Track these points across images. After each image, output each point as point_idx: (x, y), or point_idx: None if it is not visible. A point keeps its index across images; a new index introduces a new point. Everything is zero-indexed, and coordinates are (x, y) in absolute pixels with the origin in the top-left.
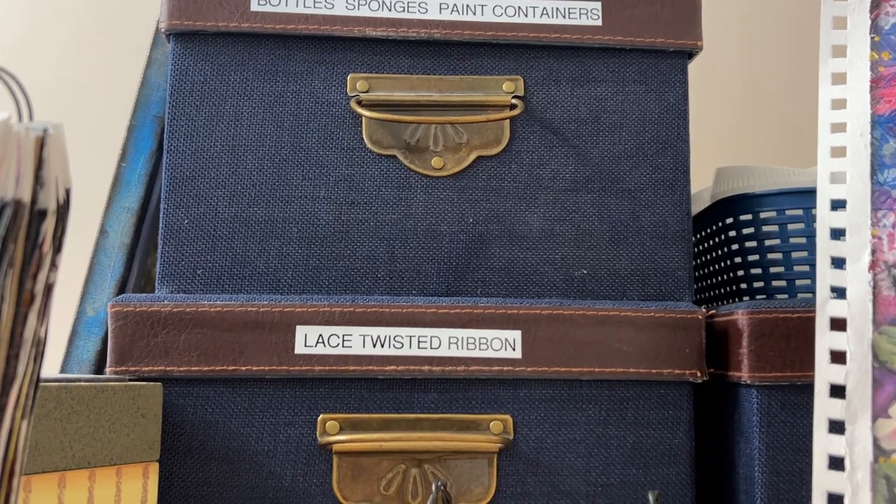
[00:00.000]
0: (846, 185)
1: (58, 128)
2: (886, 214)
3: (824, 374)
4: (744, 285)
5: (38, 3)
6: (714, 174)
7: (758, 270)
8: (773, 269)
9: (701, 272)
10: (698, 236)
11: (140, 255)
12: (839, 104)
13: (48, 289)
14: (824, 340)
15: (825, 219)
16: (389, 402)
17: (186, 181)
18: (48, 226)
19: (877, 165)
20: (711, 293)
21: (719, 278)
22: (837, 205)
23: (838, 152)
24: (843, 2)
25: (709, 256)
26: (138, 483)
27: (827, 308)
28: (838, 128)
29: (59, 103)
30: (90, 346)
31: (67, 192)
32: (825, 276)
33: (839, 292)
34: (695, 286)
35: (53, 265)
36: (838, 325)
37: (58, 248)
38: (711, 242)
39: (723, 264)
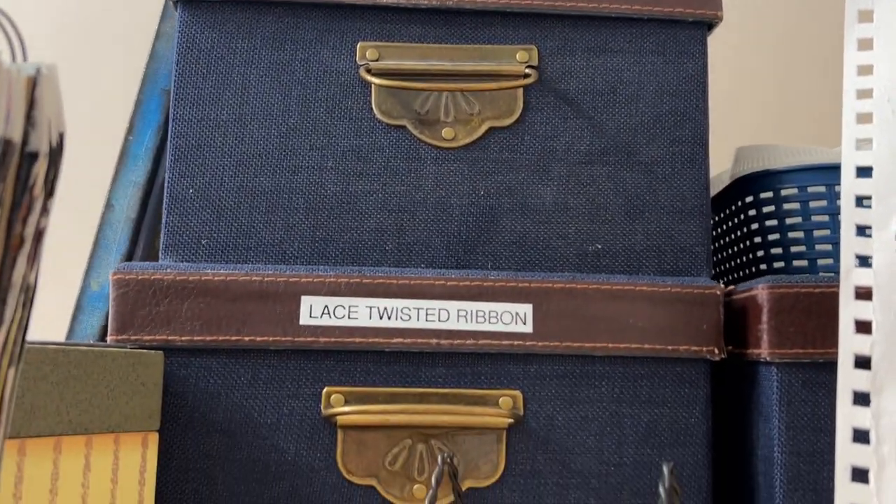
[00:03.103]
0: (872, 152)
1: (51, 69)
2: None
3: (849, 344)
4: (764, 266)
5: None
6: (734, 154)
7: (778, 250)
8: (794, 248)
9: (721, 254)
10: (718, 217)
11: (146, 229)
12: (865, 70)
13: (39, 234)
14: (849, 310)
15: (850, 186)
16: (396, 375)
17: (192, 150)
18: (40, 168)
19: None
20: (732, 275)
21: (740, 259)
22: (863, 172)
23: (864, 119)
24: None
25: (729, 238)
26: (137, 452)
27: (851, 276)
28: (864, 94)
29: (67, 76)
30: (94, 320)
31: (61, 136)
32: (850, 245)
33: (864, 261)
34: (714, 267)
35: (45, 210)
36: (863, 295)
37: (50, 192)
38: (732, 223)
39: (743, 245)
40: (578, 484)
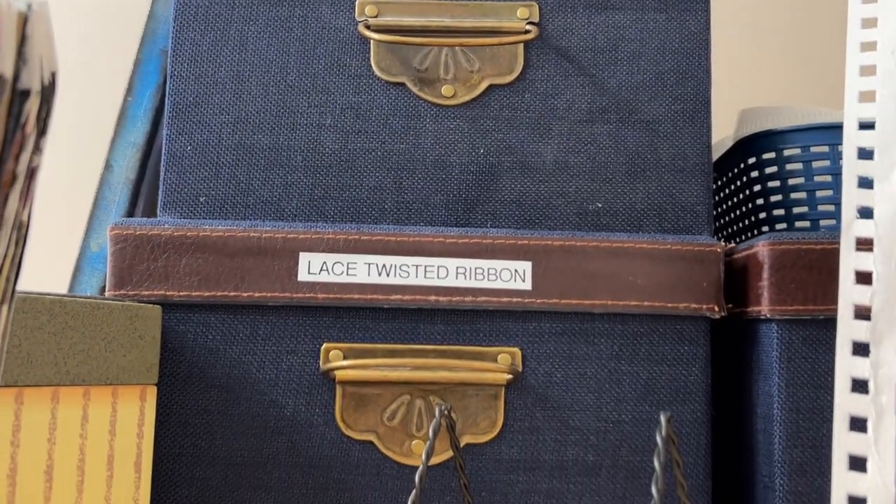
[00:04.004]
0: (875, 104)
1: (43, 5)
2: None
3: (849, 294)
4: (766, 227)
5: None
6: (738, 116)
7: (781, 211)
8: (796, 209)
9: (726, 217)
10: (722, 179)
11: (146, 190)
12: (869, 23)
13: (31, 171)
14: (849, 261)
15: (852, 138)
16: (394, 331)
17: (190, 107)
18: (31, 106)
19: None
20: (737, 238)
21: (744, 222)
22: (865, 125)
23: (868, 71)
24: None
25: (733, 200)
26: (135, 405)
27: (853, 228)
28: (868, 47)
29: (66, 37)
30: (94, 281)
31: (53, 75)
32: (851, 196)
33: (866, 214)
34: (720, 230)
35: (37, 148)
36: (864, 246)
37: (42, 130)
38: (735, 185)
39: (747, 206)
40: (577, 440)
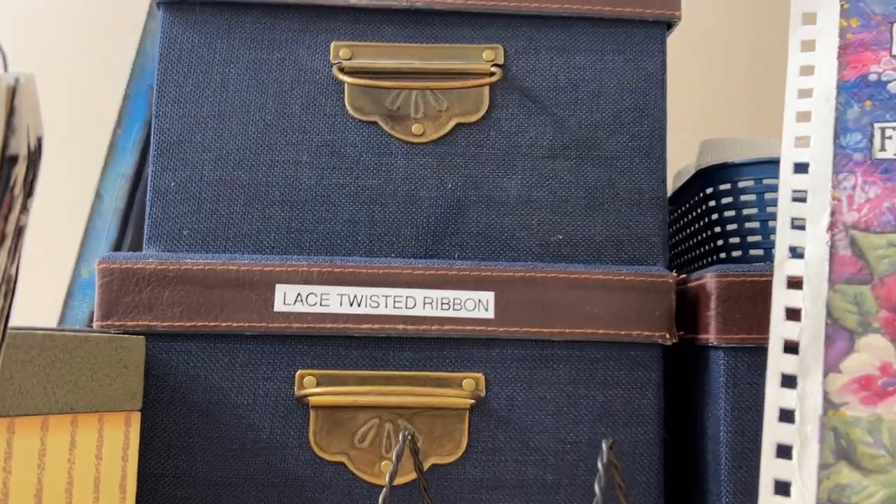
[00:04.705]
0: (809, 149)
1: (29, 78)
2: (847, 177)
3: (779, 330)
4: (723, 255)
5: None
6: (699, 146)
7: (736, 240)
8: (750, 239)
9: (685, 245)
10: (682, 209)
11: (134, 219)
12: (807, 70)
13: (19, 231)
14: (781, 298)
15: (787, 181)
16: (365, 359)
17: (174, 145)
18: (19, 170)
19: (840, 129)
20: (695, 265)
21: (702, 250)
22: (799, 168)
23: (804, 117)
24: None
25: (692, 229)
26: (120, 430)
27: (785, 267)
28: (805, 93)
29: (58, 73)
30: (85, 307)
31: (39, 140)
32: (785, 237)
33: (797, 254)
34: (679, 258)
35: (25, 208)
36: (794, 284)
37: (29, 192)
38: (693, 214)
39: (704, 235)
40: (536, 461)
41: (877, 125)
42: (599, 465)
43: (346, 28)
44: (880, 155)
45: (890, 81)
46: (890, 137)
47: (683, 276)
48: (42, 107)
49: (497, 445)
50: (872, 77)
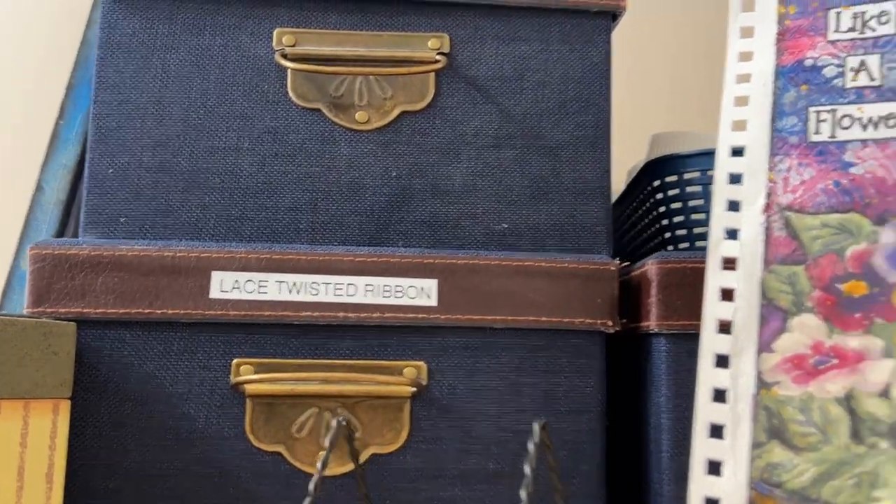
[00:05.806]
0: (746, 133)
1: None
2: (783, 160)
3: (713, 310)
4: (671, 246)
5: None
6: (649, 140)
7: (683, 231)
8: (696, 230)
9: (639, 238)
10: (634, 201)
11: (76, 211)
12: (746, 56)
13: None
14: (715, 279)
15: (724, 164)
16: (305, 347)
17: (112, 131)
18: None
19: (777, 113)
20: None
21: (652, 241)
22: (737, 152)
23: (741, 101)
24: None
25: (644, 221)
26: (47, 419)
27: (720, 248)
28: (743, 78)
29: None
30: (24, 300)
31: None
32: (720, 219)
33: (732, 235)
34: (634, 252)
35: None
36: (731, 265)
37: None
38: (644, 207)
39: (654, 227)
40: (479, 450)
41: (812, 109)
42: (531, 446)
43: (290, 15)
44: (815, 138)
45: (825, 66)
46: (824, 120)
47: (627, 264)
48: None
49: (438, 434)
50: (808, 62)
